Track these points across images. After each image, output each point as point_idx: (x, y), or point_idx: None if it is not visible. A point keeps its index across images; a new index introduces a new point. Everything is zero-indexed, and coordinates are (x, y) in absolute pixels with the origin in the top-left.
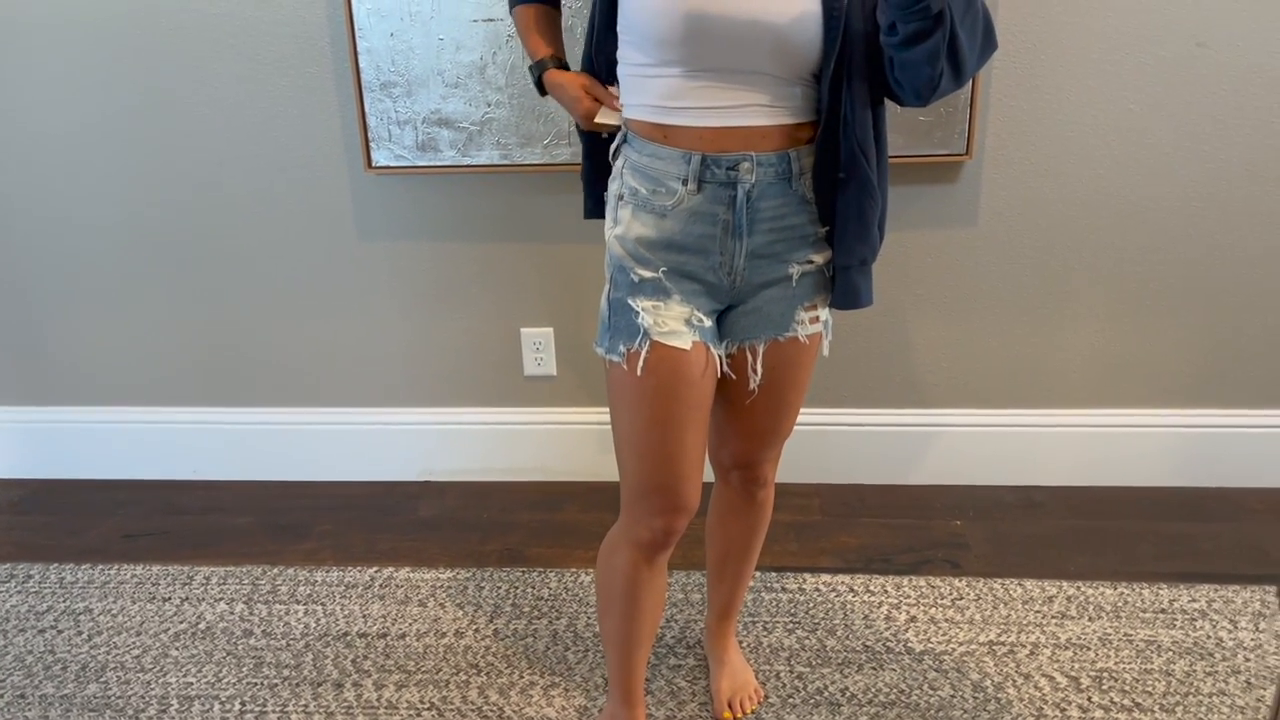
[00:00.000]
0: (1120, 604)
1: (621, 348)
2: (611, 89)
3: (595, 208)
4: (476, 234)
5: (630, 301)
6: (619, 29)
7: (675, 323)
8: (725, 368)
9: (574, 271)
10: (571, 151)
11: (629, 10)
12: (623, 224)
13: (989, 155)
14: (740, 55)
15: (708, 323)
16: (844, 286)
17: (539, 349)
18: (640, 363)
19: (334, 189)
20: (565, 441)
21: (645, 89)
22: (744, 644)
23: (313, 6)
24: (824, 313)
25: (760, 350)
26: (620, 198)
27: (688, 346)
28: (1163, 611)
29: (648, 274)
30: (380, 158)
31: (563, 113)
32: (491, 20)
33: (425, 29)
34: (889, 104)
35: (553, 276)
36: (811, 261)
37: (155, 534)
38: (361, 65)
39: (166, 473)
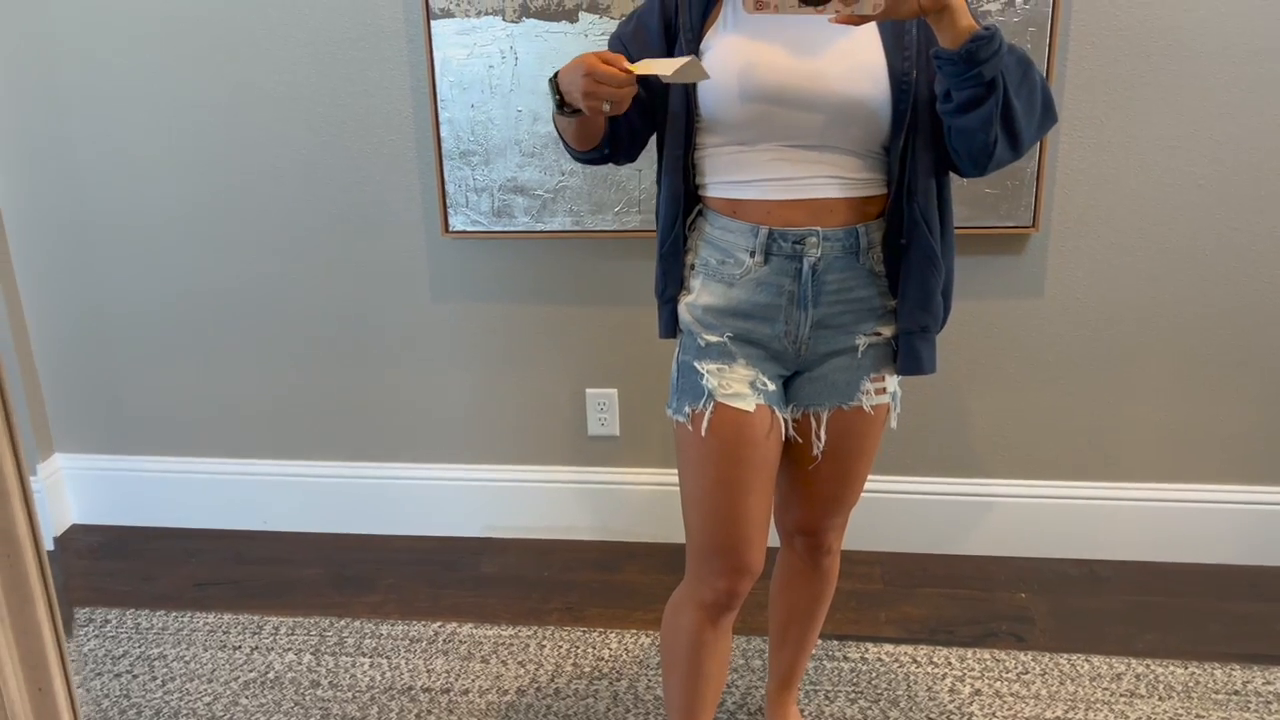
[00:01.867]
0: (1191, 684)
1: (687, 409)
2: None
3: (670, 326)
4: (546, 296)
5: (696, 364)
6: (699, 114)
7: (739, 385)
8: (790, 431)
9: (639, 334)
10: (641, 219)
11: (706, 95)
12: (693, 292)
13: (1055, 228)
14: (808, 130)
15: (772, 386)
16: (906, 352)
17: (603, 409)
18: (704, 423)
19: (411, 251)
20: (626, 502)
21: (718, 166)
22: (805, 712)
23: (396, 79)
24: (891, 384)
25: (824, 417)
26: (692, 268)
27: (751, 408)
28: (1236, 693)
29: (713, 338)
30: (457, 223)
31: (633, 180)
32: None
33: (504, 101)
34: (954, 176)
35: (619, 339)
36: (879, 334)
37: (226, 583)
38: (443, 134)
39: (238, 523)
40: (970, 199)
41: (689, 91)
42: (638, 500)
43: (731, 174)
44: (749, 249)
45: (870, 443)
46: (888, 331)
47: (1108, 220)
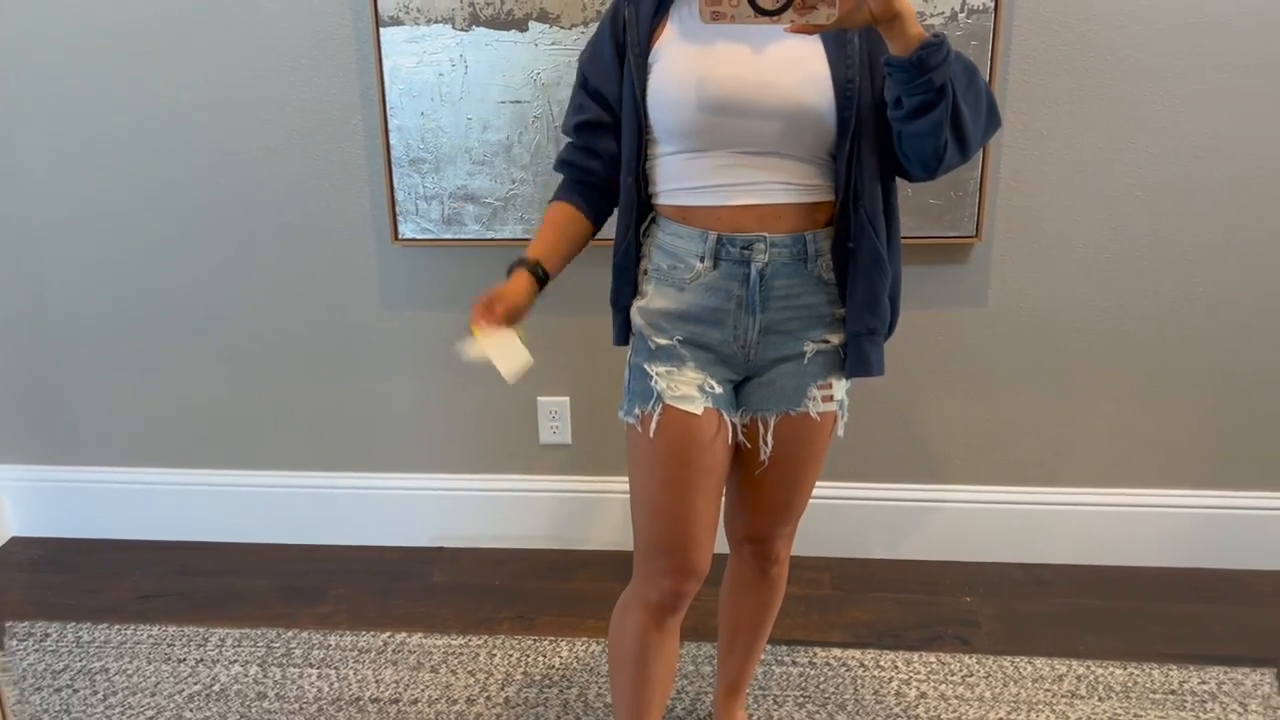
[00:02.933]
0: (1130, 684)
1: (636, 410)
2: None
3: (623, 333)
4: None
5: (646, 366)
6: (650, 124)
7: (688, 388)
8: (740, 436)
9: (591, 343)
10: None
11: (655, 107)
12: (646, 297)
13: (998, 238)
14: (758, 138)
15: (719, 390)
16: (854, 354)
17: (554, 417)
18: (653, 424)
19: (361, 259)
20: (579, 510)
21: (669, 174)
22: (754, 718)
23: (345, 86)
24: (839, 392)
25: (771, 422)
26: (645, 273)
27: (699, 411)
28: (1172, 693)
29: (664, 341)
30: (407, 230)
31: None
32: (519, 102)
33: (454, 109)
34: (901, 186)
35: (570, 347)
36: (827, 341)
37: (171, 595)
38: (392, 142)
39: (183, 534)
40: (915, 209)
41: (639, 104)
42: (590, 508)
43: (682, 181)
44: (698, 254)
45: (817, 450)
46: (836, 339)
47: (1048, 230)
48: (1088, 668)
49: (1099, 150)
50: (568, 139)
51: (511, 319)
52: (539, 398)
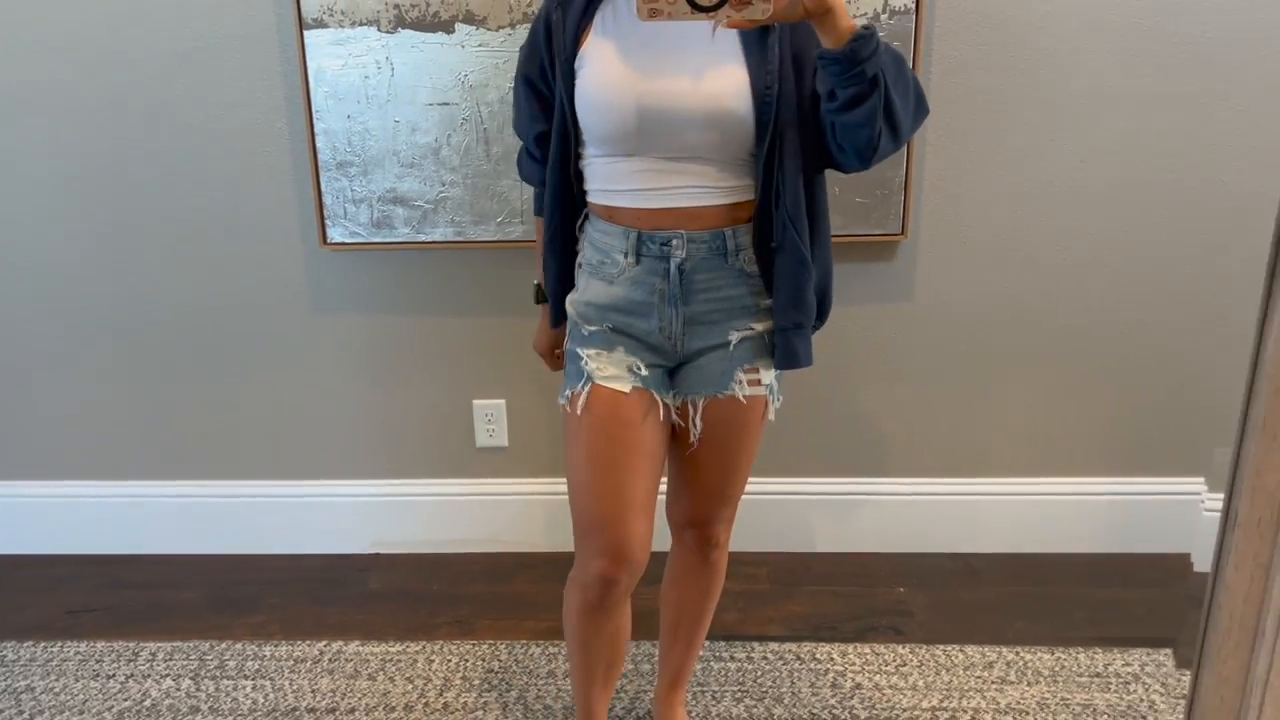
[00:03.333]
0: (1057, 669)
1: (568, 391)
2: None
3: (558, 315)
4: (430, 308)
5: (579, 350)
6: (582, 129)
7: (616, 369)
8: (674, 418)
9: (526, 345)
10: (523, 229)
11: (582, 112)
12: (579, 289)
13: (923, 234)
14: (679, 144)
15: (647, 372)
16: (782, 347)
17: (491, 420)
18: (581, 401)
19: (290, 264)
20: (517, 512)
21: (597, 175)
22: (693, 713)
23: (270, 89)
24: (766, 377)
25: (700, 405)
26: (579, 266)
27: (627, 389)
28: (1098, 675)
29: (594, 328)
30: (335, 234)
31: (515, 191)
32: (447, 104)
33: (381, 112)
34: (831, 182)
35: (505, 349)
36: (752, 329)
37: (99, 610)
38: (319, 145)
39: (111, 547)
40: (843, 208)
41: (567, 108)
42: (528, 510)
43: (607, 183)
44: (623, 250)
45: (748, 434)
46: (761, 327)
47: (972, 227)
48: (1017, 654)
49: (1019, 148)
50: (527, 146)
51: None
52: (474, 401)
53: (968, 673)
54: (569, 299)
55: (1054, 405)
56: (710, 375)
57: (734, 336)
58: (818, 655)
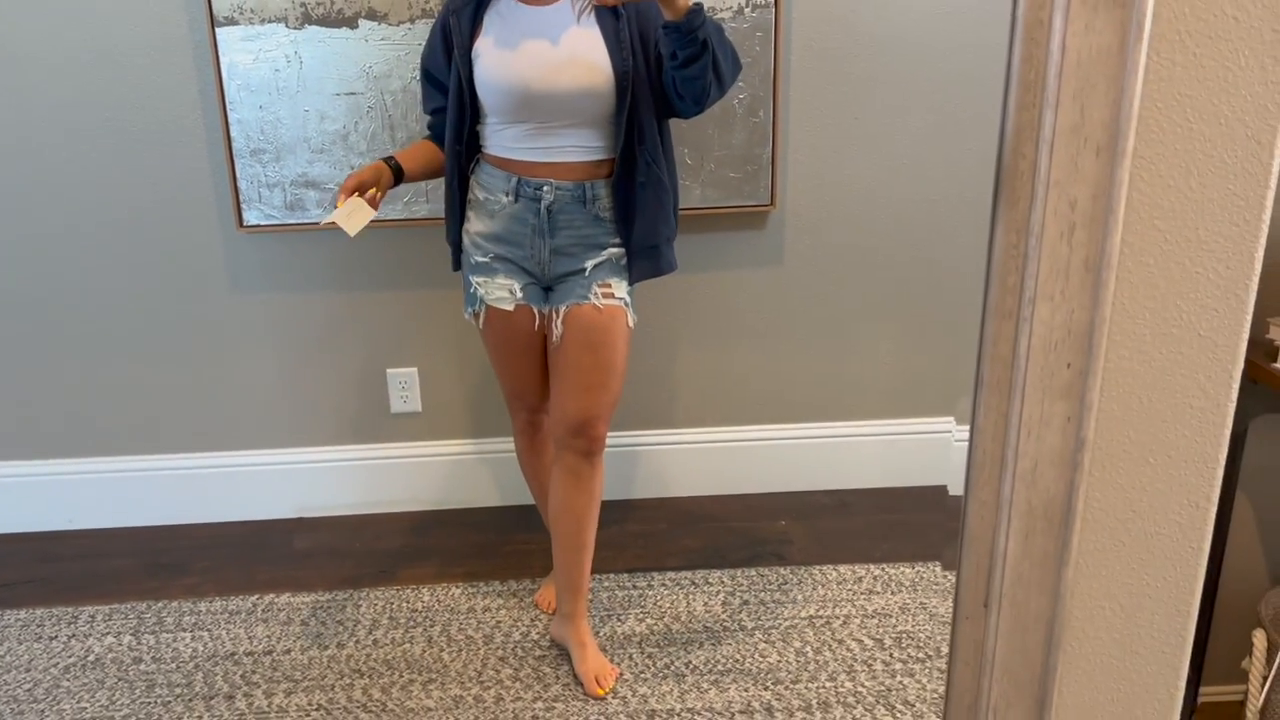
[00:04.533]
0: (917, 580)
1: (469, 310)
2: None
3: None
4: (344, 284)
5: (471, 278)
6: (478, 103)
7: (500, 291)
8: (549, 326)
9: (434, 315)
10: (430, 208)
11: (482, 93)
12: (469, 221)
13: (790, 205)
14: (555, 114)
15: (520, 292)
16: (652, 259)
17: (404, 387)
18: (480, 320)
19: (209, 247)
20: (433, 473)
21: (491, 135)
22: (599, 634)
23: (184, 83)
24: (619, 290)
25: (562, 312)
26: (470, 202)
27: (510, 308)
28: (951, 586)
29: (482, 259)
30: (251, 217)
31: None
32: (353, 94)
33: (292, 102)
34: (707, 162)
35: (414, 320)
36: (602, 256)
37: (36, 581)
38: (233, 134)
39: (43, 525)
40: (717, 182)
41: (465, 90)
42: (444, 470)
43: (499, 141)
44: (505, 190)
45: (611, 336)
46: (610, 253)
47: (829, 197)
48: (882, 569)
49: (873, 125)
50: (429, 116)
51: (361, 191)
52: (388, 370)
53: (840, 587)
54: (463, 230)
55: (913, 352)
56: (572, 290)
57: (589, 264)
58: (710, 580)
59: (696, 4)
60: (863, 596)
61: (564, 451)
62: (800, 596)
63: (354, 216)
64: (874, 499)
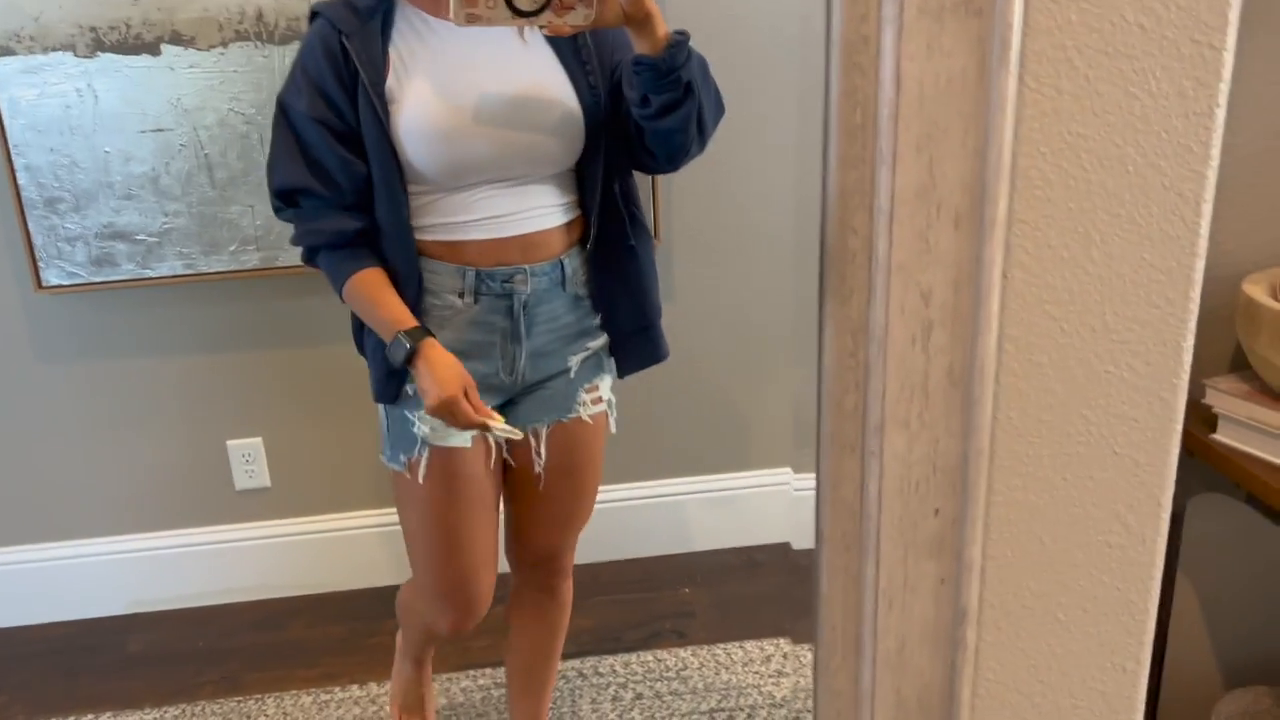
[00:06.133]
0: None
1: (402, 457)
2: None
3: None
4: (168, 348)
5: (407, 413)
6: (408, 166)
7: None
8: (507, 454)
9: (277, 377)
10: (261, 256)
11: (411, 149)
12: None
13: (675, 238)
14: (515, 167)
15: None
16: (651, 341)
17: (249, 460)
18: (421, 470)
19: (3, 312)
20: (286, 555)
21: (429, 211)
22: None
23: None
24: (605, 391)
25: (544, 433)
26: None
27: (468, 444)
28: None
29: None
30: (51, 276)
31: (246, 218)
32: (160, 130)
33: (88, 142)
34: None
35: (254, 385)
36: (588, 349)
37: None
38: (21, 182)
39: None
40: None
41: (384, 144)
42: (299, 551)
43: (444, 217)
44: (458, 290)
45: (595, 452)
46: (595, 345)
47: (714, 227)
48: (793, 647)
49: (752, 152)
50: (335, 200)
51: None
52: (228, 441)
53: (746, 669)
54: (386, 351)
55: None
56: (554, 401)
57: (573, 362)
58: (600, 669)
59: (679, 36)
60: (770, 680)
61: (522, 587)
62: (701, 684)
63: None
64: (783, 556)
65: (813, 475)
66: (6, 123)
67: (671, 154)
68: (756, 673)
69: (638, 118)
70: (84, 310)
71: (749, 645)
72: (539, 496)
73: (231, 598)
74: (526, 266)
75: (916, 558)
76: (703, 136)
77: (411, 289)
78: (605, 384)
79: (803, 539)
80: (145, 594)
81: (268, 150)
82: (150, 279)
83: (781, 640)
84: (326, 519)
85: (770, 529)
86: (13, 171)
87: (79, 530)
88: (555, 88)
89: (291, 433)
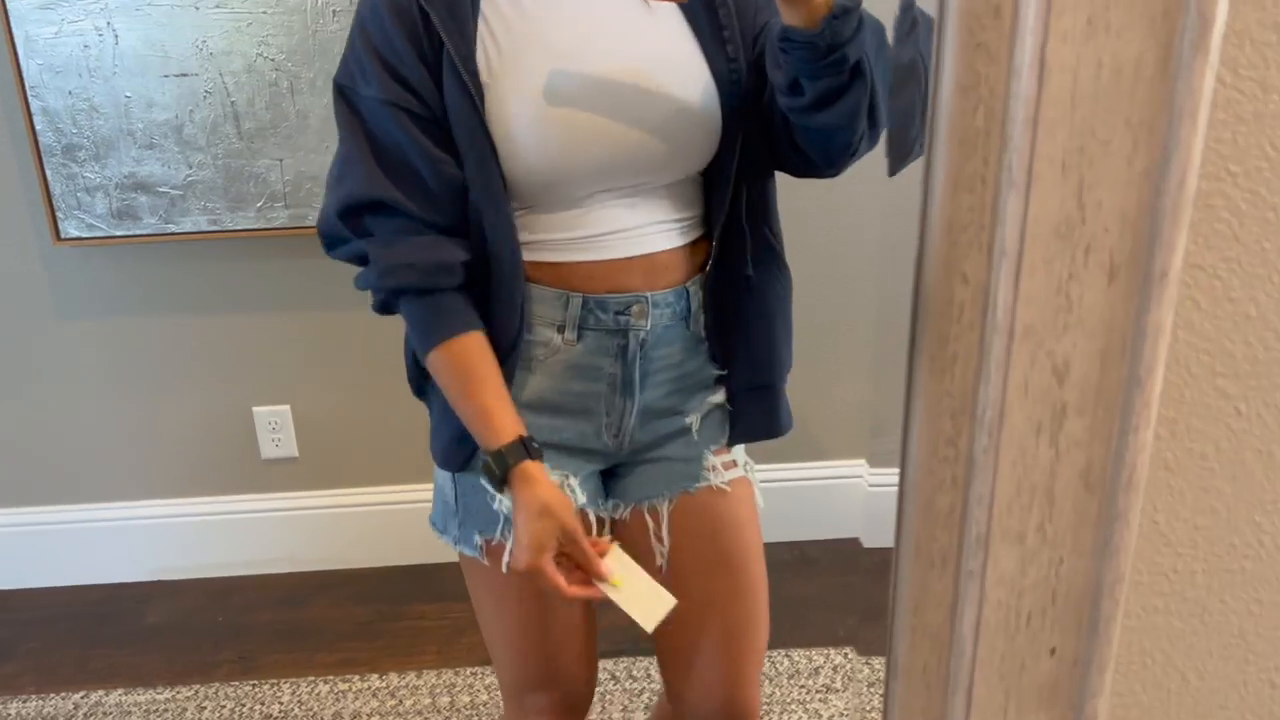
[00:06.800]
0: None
1: (477, 538)
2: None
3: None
4: (191, 307)
5: (485, 482)
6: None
7: None
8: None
9: (307, 343)
10: (289, 214)
11: (513, 148)
12: None
13: None
14: (642, 171)
15: (582, 493)
16: (772, 405)
17: (276, 429)
18: (506, 558)
19: (23, 265)
20: (313, 528)
21: (525, 223)
22: None
23: None
24: (739, 454)
25: (664, 511)
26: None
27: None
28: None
29: None
30: (70, 228)
31: (274, 172)
32: (184, 75)
33: (108, 86)
34: None
35: (283, 350)
36: (710, 404)
37: None
38: (38, 127)
39: None
40: None
41: (490, 149)
42: (326, 525)
43: (542, 232)
44: (557, 322)
45: (751, 534)
46: (717, 399)
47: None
48: (845, 656)
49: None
50: (427, 218)
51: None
52: (254, 408)
53: (791, 682)
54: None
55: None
56: (673, 469)
57: (693, 419)
58: (634, 672)
59: (845, 2)
60: (817, 697)
61: None
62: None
63: (643, 596)
64: (842, 553)
65: (890, 471)
66: (23, 61)
67: (831, 155)
68: (803, 687)
69: (785, 108)
70: (104, 265)
71: (796, 654)
72: (686, 613)
73: (254, 569)
74: (648, 294)
75: (1020, 708)
76: (874, 129)
77: (512, 329)
78: (735, 446)
79: (874, 536)
80: (166, 561)
81: (296, 101)
82: (174, 234)
83: (833, 650)
84: (356, 492)
85: (839, 524)
86: (29, 113)
87: (100, 493)
88: (687, 66)
89: (322, 401)
